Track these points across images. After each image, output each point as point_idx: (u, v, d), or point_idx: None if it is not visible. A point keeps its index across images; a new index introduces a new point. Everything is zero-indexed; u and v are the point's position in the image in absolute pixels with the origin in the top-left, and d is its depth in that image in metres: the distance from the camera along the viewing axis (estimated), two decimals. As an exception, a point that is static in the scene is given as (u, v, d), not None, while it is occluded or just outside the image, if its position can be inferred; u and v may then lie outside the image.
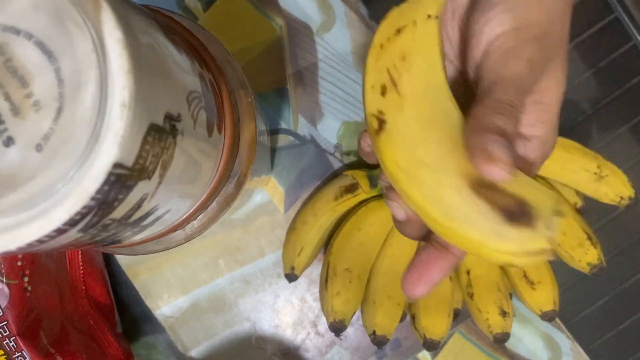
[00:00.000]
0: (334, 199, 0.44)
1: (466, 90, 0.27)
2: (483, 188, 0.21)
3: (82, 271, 0.44)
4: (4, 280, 0.38)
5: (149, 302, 0.48)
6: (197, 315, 0.48)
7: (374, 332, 0.43)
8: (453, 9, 0.27)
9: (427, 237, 0.26)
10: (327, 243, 0.46)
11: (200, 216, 0.28)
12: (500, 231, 0.20)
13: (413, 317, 0.43)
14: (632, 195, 0.42)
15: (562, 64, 0.25)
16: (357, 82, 0.48)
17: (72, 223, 0.17)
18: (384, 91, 0.24)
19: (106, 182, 0.17)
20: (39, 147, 0.17)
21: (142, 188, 0.19)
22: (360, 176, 0.44)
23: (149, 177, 0.19)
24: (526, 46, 0.23)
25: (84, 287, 0.44)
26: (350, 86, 0.48)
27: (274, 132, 0.48)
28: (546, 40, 0.24)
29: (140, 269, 0.48)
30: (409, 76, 0.24)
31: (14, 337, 0.37)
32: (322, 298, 0.44)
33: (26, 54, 0.17)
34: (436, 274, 0.24)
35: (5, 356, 0.37)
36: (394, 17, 0.25)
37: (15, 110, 0.17)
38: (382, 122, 0.23)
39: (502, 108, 0.21)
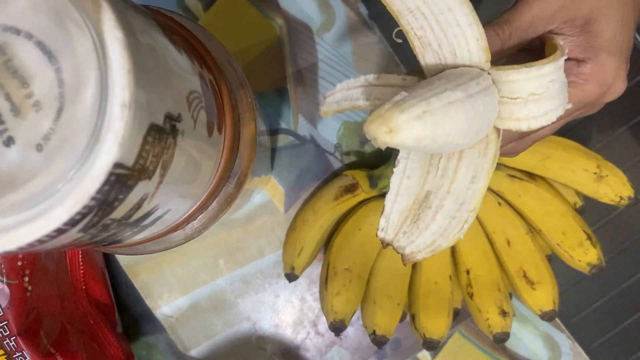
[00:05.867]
0: (334, 199, 0.44)
1: None
2: None
3: (82, 271, 0.44)
4: (5, 280, 0.38)
5: (149, 302, 0.48)
6: (197, 315, 0.48)
7: (374, 331, 0.43)
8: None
9: None
10: (327, 243, 0.46)
11: (200, 216, 0.28)
12: None
13: (413, 317, 0.43)
14: (632, 195, 0.42)
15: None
16: (357, 82, 0.48)
17: (72, 223, 0.17)
18: None
19: (106, 182, 0.17)
20: (39, 147, 0.17)
21: (142, 188, 0.19)
22: (360, 176, 0.44)
23: (149, 177, 0.19)
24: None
25: (84, 287, 0.44)
26: (350, 86, 0.48)
27: (274, 132, 0.48)
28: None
29: (140, 268, 0.48)
30: None
31: (14, 337, 0.37)
32: (322, 298, 0.44)
33: (26, 54, 0.17)
34: None
35: (5, 356, 0.37)
36: None
37: (16, 110, 0.17)
38: None
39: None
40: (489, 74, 0.23)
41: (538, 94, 0.23)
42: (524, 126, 0.23)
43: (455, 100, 0.21)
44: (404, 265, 0.24)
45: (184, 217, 0.27)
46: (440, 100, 0.20)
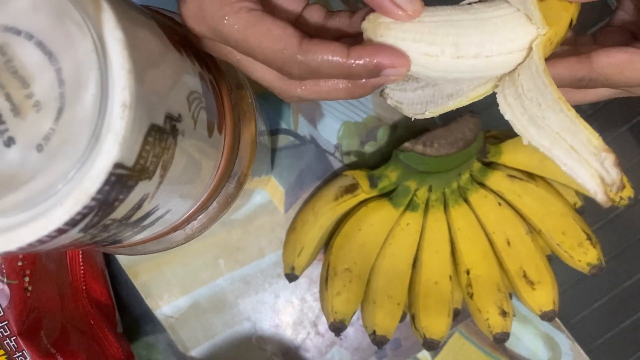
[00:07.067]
0: (334, 199, 0.44)
1: None
2: None
3: (82, 271, 0.44)
4: (5, 280, 0.38)
5: (149, 302, 0.48)
6: (198, 315, 0.48)
7: (374, 332, 0.43)
8: None
9: None
10: (327, 243, 0.46)
11: (200, 216, 0.28)
12: None
13: (413, 317, 0.43)
14: (632, 195, 0.42)
15: None
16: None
17: (72, 223, 0.17)
18: None
19: (107, 182, 0.17)
20: (39, 147, 0.17)
21: (142, 188, 0.19)
22: (360, 176, 0.44)
23: (150, 178, 0.19)
24: None
25: (84, 287, 0.44)
26: (350, 86, 0.48)
27: (274, 132, 0.48)
28: None
29: (140, 269, 0.48)
30: None
31: (14, 337, 0.37)
32: (322, 298, 0.44)
33: (27, 55, 0.17)
34: None
35: (5, 356, 0.37)
36: None
37: (16, 111, 0.17)
38: None
39: None
40: (541, 34, 0.21)
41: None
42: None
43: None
44: (380, 96, 0.26)
45: (184, 217, 0.27)
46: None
